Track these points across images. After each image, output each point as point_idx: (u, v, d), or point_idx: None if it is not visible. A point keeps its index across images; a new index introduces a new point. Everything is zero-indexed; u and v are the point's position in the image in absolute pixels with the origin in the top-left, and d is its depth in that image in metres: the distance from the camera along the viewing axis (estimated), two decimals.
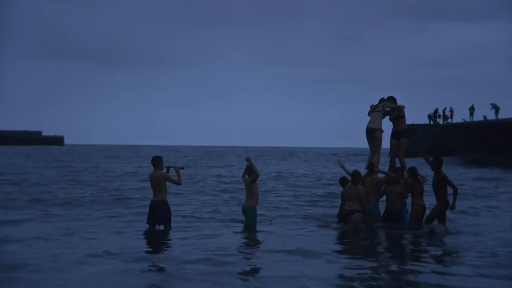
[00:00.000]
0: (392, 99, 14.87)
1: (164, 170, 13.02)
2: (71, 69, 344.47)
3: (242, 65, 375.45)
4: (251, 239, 12.65)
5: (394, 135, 14.94)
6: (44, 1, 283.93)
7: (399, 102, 14.89)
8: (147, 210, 13.23)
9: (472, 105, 58.88)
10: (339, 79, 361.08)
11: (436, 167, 13.32)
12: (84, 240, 11.90)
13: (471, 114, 58.89)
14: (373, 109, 14.84)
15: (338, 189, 16.43)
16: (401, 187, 14.11)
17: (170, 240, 12.08)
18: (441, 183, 13.27)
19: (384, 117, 14.80)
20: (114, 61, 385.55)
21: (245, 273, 9.20)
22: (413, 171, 13.82)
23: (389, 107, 14.74)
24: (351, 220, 13.80)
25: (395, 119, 14.81)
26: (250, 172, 13.85)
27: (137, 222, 14.42)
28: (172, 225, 13.09)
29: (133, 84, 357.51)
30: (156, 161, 12.92)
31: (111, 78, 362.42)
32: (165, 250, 11.03)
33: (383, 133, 14.72)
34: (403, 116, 14.81)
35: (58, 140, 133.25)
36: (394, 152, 14.91)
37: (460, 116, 60.19)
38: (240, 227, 13.93)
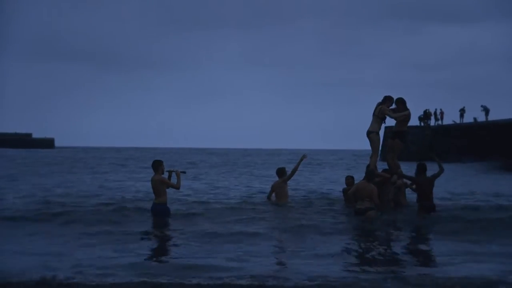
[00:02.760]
0: (400, 101, 15.01)
1: (166, 174, 13.19)
2: (63, 70, 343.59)
3: (236, 67, 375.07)
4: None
5: (392, 135, 15.22)
6: (36, 2, 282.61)
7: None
8: None
9: (463, 107, 59.50)
10: (332, 81, 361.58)
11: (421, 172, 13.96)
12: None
13: (461, 116, 59.41)
14: (374, 111, 15.07)
15: None
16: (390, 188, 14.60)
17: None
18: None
19: (382, 121, 15.04)
20: (107, 63, 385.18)
21: None
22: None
23: (387, 115, 14.95)
24: (367, 218, 13.68)
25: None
26: (281, 173, 15.44)
27: None
28: None
29: (126, 86, 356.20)
30: (156, 165, 13.07)
31: (104, 80, 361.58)
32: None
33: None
34: (408, 120, 15.07)
35: (48, 143, 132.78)
36: (390, 152, 15.22)
37: (450, 118, 60.73)
38: None
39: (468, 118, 58.73)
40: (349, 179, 15.52)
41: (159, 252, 10.70)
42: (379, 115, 14.93)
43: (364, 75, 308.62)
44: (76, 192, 20.75)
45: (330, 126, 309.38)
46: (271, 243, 11.32)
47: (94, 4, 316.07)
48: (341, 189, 16.92)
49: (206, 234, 12.00)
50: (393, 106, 15.07)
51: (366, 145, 15.72)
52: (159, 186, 12.97)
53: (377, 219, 13.64)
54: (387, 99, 14.99)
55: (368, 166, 14.82)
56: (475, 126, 55.30)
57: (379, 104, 15.02)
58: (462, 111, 59.26)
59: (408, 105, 14.95)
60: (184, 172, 13.47)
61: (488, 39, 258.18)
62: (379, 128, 15.10)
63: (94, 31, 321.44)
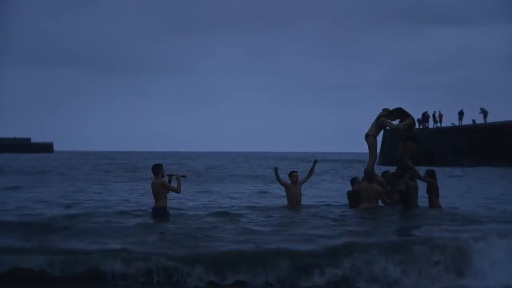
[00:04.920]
0: (399, 112, 15.20)
1: (166, 178, 13.18)
2: (61, 75, 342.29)
3: (235, 70, 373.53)
4: None
5: (405, 138, 15.28)
6: (33, 6, 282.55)
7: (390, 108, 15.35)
8: None
9: (462, 109, 59.59)
10: (330, 84, 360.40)
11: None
12: None
13: (460, 118, 59.49)
14: (377, 117, 15.28)
15: None
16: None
17: None
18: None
19: (380, 128, 15.37)
20: (105, 67, 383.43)
21: None
22: (432, 174, 14.63)
23: (388, 127, 15.41)
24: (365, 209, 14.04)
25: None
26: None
27: None
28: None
29: (124, 90, 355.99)
30: (156, 169, 13.07)
31: (102, 84, 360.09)
32: None
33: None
34: (412, 126, 15.27)
35: (47, 147, 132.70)
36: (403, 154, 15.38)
37: (449, 120, 60.79)
38: None
39: (466, 121, 58.90)
40: (356, 182, 15.36)
41: None
42: (379, 125, 15.28)
43: (363, 78, 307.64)
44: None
45: (330, 128, 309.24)
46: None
47: (92, 9, 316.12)
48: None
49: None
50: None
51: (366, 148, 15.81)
52: (160, 190, 12.97)
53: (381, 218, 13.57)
54: (391, 113, 15.20)
55: (366, 169, 14.98)
56: (474, 128, 55.51)
57: (385, 111, 15.25)
58: (460, 114, 59.36)
59: (408, 108, 15.20)
60: (184, 176, 13.43)
61: (487, 42, 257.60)
62: (377, 133, 15.40)
63: (91, 36, 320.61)
